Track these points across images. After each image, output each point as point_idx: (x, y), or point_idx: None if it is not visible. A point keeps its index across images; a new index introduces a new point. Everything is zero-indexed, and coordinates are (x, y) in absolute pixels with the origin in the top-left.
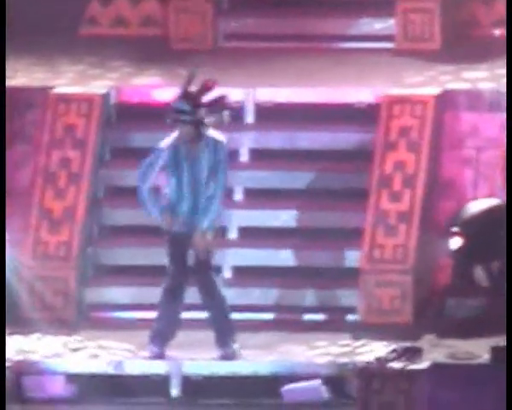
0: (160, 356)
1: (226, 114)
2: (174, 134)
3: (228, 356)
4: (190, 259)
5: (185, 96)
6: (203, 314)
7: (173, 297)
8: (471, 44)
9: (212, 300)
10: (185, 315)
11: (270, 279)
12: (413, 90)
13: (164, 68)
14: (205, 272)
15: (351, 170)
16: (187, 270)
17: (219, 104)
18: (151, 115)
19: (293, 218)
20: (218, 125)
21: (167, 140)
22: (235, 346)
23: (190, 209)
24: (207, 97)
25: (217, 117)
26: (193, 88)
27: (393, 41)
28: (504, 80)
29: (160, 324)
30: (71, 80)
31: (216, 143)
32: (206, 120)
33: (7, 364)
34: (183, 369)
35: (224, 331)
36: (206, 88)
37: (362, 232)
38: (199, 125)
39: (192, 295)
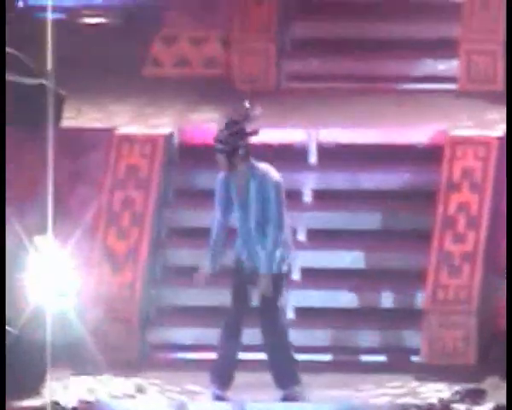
0: (221, 398)
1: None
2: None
3: (290, 397)
4: (255, 298)
5: (227, 124)
6: (256, 354)
7: (231, 335)
8: None
9: (273, 339)
10: (248, 356)
11: (333, 320)
12: (476, 131)
13: (227, 109)
14: (268, 313)
15: (413, 211)
16: (247, 308)
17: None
18: (214, 156)
19: (357, 259)
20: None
21: (219, 176)
22: (298, 388)
23: (246, 248)
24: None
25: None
26: (236, 118)
27: (456, 82)
28: None
29: (219, 363)
30: (134, 121)
31: (264, 176)
32: (238, 149)
33: (71, 406)
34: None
35: (284, 372)
36: (246, 118)
37: (425, 273)
38: (231, 154)
39: (255, 335)
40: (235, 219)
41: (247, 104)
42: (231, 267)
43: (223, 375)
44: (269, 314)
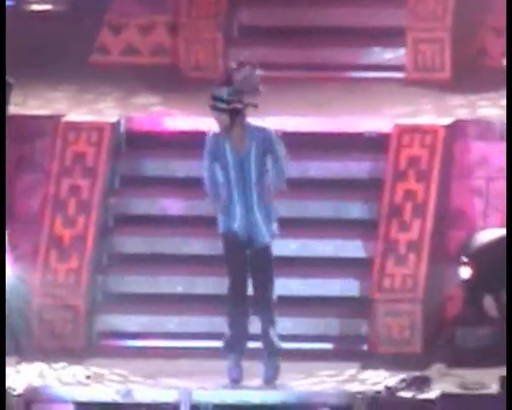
0: (238, 381)
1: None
2: (217, 129)
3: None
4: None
5: (224, 82)
6: (213, 343)
7: (239, 300)
8: (481, 74)
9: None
10: (195, 344)
11: (280, 308)
12: (423, 119)
13: (174, 97)
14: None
15: (360, 199)
16: (246, 273)
17: (250, 81)
18: (161, 144)
19: (304, 247)
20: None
21: (208, 137)
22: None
23: (243, 209)
24: (238, 76)
25: (251, 94)
26: (234, 76)
27: (404, 71)
28: None
29: (232, 330)
30: (81, 109)
31: (263, 132)
32: (243, 108)
33: (17, 392)
34: (192, 397)
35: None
36: (246, 77)
37: (372, 262)
38: (235, 113)
39: (202, 324)
40: (224, 185)
41: (244, 63)
42: (220, 239)
43: (237, 341)
44: (263, 290)
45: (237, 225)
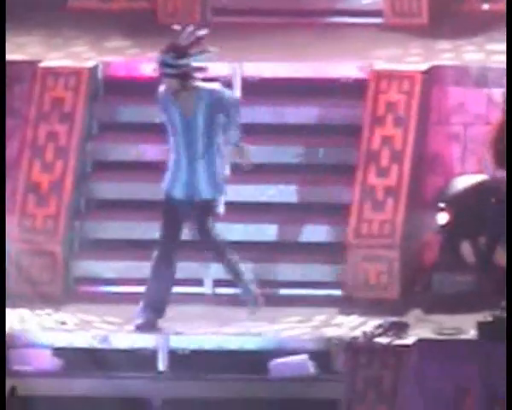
0: (151, 324)
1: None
2: (163, 87)
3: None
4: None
5: (170, 48)
6: (191, 289)
7: (165, 267)
8: (459, 19)
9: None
10: (173, 289)
11: (257, 254)
12: (400, 65)
13: (151, 42)
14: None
15: (338, 145)
16: (179, 240)
17: (199, 47)
18: (139, 90)
19: (280, 193)
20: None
21: (160, 91)
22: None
23: (189, 174)
24: (184, 40)
25: (201, 59)
26: (180, 41)
27: (381, 16)
28: (493, 57)
29: (151, 294)
30: (58, 54)
31: (211, 93)
32: (192, 71)
33: None
34: (170, 343)
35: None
36: (193, 41)
37: (349, 207)
38: (184, 77)
39: (179, 269)
40: (172, 147)
41: (188, 29)
42: (160, 200)
43: (155, 304)
44: (209, 240)
45: (179, 189)
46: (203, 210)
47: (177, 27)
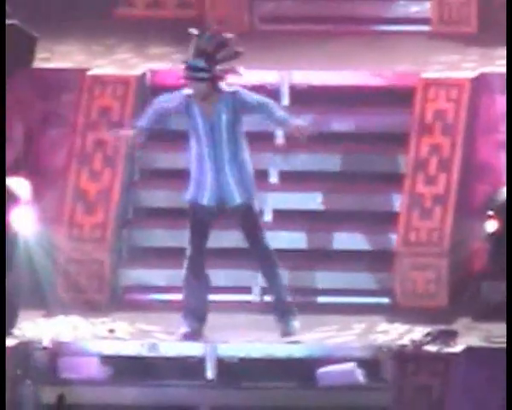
0: (196, 332)
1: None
2: (187, 92)
3: (287, 334)
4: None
5: (199, 52)
6: (239, 296)
7: (198, 276)
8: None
9: (273, 280)
10: (220, 297)
11: (306, 262)
12: (448, 73)
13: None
14: (262, 253)
15: (386, 153)
16: (205, 245)
17: (226, 51)
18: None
19: (329, 200)
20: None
21: (181, 95)
22: (295, 323)
23: (216, 180)
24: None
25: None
26: (207, 45)
27: (429, 24)
28: None
29: (189, 304)
30: (106, 62)
31: (233, 95)
32: (223, 74)
33: (43, 345)
34: (218, 351)
35: (285, 309)
36: (220, 44)
37: (398, 216)
38: (216, 80)
39: (227, 277)
40: (196, 152)
41: (207, 33)
42: (188, 209)
43: (196, 314)
44: (258, 247)
45: (207, 196)
46: (243, 216)
47: (194, 31)
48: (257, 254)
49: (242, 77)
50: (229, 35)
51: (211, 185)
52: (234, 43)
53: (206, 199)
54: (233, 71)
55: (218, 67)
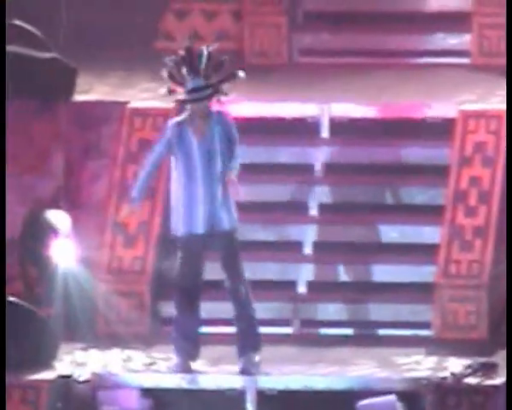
0: (185, 367)
1: (240, 74)
2: (179, 117)
3: (246, 369)
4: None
5: (195, 72)
6: (277, 329)
7: (189, 309)
8: None
9: (242, 309)
10: (260, 330)
11: (346, 294)
12: (488, 105)
13: (239, 83)
14: (234, 278)
15: (426, 185)
16: (201, 280)
17: (222, 69)
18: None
19: (370, 233)
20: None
21: (170, 125)
22: (256, 358)
23: (208, 205)
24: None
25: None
26: (198, 63)
27: (469, 56)
28: None
29: (180, 339)
30: (147, 94)
31: (220, 115)
32: (220, 93)
33: (83, 378)
34: (258, 383)
35: (248, 343)
36: (209, 59)
37: (438, 248)
38: (210, 99)
39: (266, 310)
40: (186, 179)
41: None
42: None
43: (186, 349)
44: (236, 277)
45: (200, 224)
46: (226, 242)
47: (167, 60)
48: (233, 282)
49: (241, 78)
50: (213, 46)
51: (204, 211)
52: (228, 63)
53: (199, 227)
54: (230, 78)
55: (215, 81)
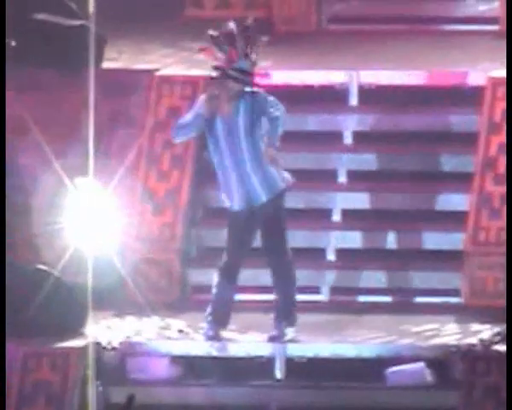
0: (214, 338)
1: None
2: (210, 92)
3: (273, 338)
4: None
5: (244, 55)
6: (308, 296)
7: (228, 278)
8: None
9: (283, 281)
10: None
11: (375, 262)
12: None
13: (268, 51)
14: (277, 253)
15: (455, 152)
16: (247, 252)
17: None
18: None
19: (398, 200)
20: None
21: (202, 98)
22: (288, 332)
23: (241, 182)
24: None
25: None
26: (246, 45)
27: (498, 23)
28: None
29: (216, 305)
30: (175, 62)
31: (253, 96)
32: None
33: (112, 346)
34: (287, 351)
35: (283, 315)
36: (254, 42)
37: (466, 215)
38: (246, 80)
39: (297, 277)
40: (217, 157)
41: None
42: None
43: (219, 317)
44: (277, 247)
45: (236, 201)
46: (269, 213)
47: (213, 32)
48: (275, 252)
49: (270, 79)
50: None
51: (237, 190)
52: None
53: (236, 205)
54: (264, 75)
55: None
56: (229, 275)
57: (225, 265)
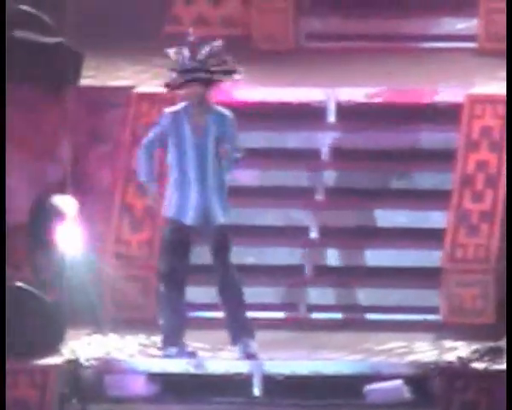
0: (181, 354)
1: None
2: (175, 107)
3: (246, 354)
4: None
5: (192, 57)
6: (284, 314)
7: (176, 295)
8: None
9: (230, 298)
10: (265, 315)
11: (351, 279)
12: (495, 89)
13: (245, 68)
14: (224, 267)
15: (432, 169)
16: (187, 267)
17: (223, 62)
18: (233, 114)
19: (375, 217)
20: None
21: (168, 112)
22: (253, 344)
23: (201, 197)
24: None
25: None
26: (198, 51)
27: (476, 41)
28: None
29: (170, 322)
30: (153, 79)
31: (223, 117)
32: (216, 76)
33: (89, 363)
34: (264, 368)
35: (241, 328)
36: (211, 51)
37: (444, 232)
38: (211, 84)
39: (272, 295)
40: (177, 167)
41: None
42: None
43: (175, 332)
44: (225, 269)
45: (191, 215)
46: (220, 235)
47: (170, 51)
48: (223, 272)
49: (237, 81)
50: (217, 43)
51: (196, 204)
52: (230, 60)
53: (189, 219)
54: (226, 73)
55: (214, 70)
56: (172, 289)
57: (167, 278)
